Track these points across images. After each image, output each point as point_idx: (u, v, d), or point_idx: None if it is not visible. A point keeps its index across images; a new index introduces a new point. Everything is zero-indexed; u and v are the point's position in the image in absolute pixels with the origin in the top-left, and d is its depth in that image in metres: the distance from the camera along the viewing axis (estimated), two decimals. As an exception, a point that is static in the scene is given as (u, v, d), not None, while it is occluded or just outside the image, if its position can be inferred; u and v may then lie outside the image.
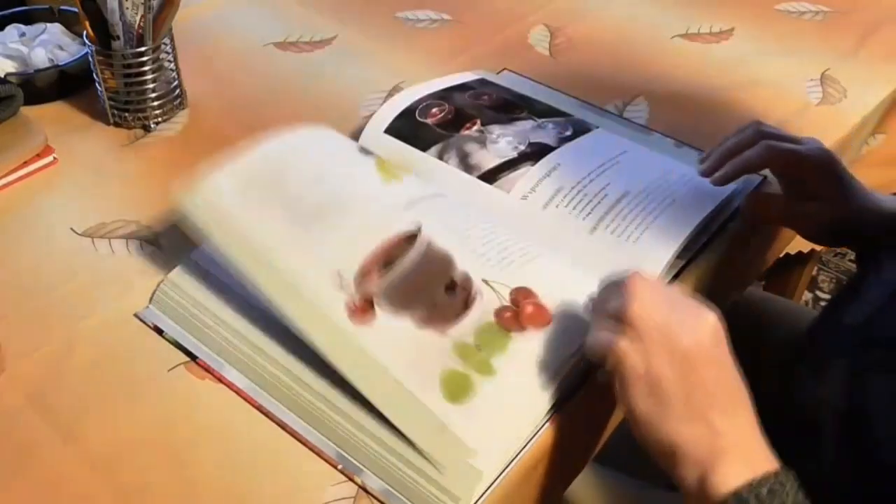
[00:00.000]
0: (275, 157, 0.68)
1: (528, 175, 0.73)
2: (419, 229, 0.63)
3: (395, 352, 0.58)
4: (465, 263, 0.62)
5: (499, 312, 0.60)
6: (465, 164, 0.74)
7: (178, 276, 0.66)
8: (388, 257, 0.62)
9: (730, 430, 0.54)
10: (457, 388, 0.56)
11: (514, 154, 0.75)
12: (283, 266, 0.60)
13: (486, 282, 0.61)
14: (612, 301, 0.57)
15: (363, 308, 0.59)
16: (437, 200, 0.67)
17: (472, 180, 0.73)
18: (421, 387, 0.56)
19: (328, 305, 0.59)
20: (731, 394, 0.56)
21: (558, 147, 0.76)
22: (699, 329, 0.55)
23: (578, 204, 0.70)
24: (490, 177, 0.73)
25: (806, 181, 0.71)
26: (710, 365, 0.55)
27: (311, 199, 0.64)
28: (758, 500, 0.50)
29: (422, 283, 0.61)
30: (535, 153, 0.75)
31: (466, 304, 0.60)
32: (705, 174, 0.73)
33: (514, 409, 0.57)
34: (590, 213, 0.70)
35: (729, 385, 0.56)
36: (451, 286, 0.61)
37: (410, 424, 0.55)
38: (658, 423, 0.55)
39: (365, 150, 0.72)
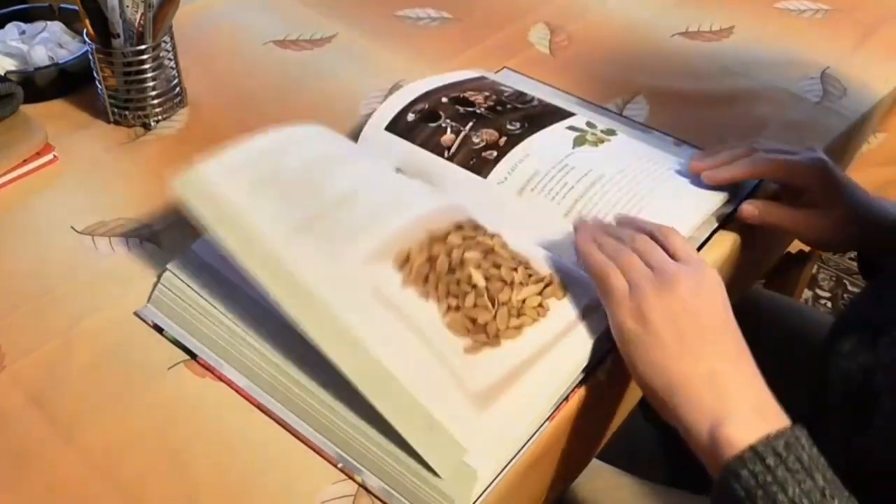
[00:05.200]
0: (274, 147, 0.67)
1: (505, 158, 0.73)
2: (464, 209, 0.64)
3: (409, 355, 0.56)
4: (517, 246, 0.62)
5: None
6: (436, 147, 0.74)
7: (178, 266, 0.65)
8: (432, 238, 0.60)
9: (732, 377, 0.53)
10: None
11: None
12: (290, 264, 0.58)
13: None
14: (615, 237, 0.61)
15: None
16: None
17: (450, 165, 0.73)
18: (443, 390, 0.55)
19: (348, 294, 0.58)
20: (733, 342, 0.55)
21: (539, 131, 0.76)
22: (700, 279, 0.57)
23: (553, 189, 0.71)
24: (467, 160, 0.73)
25: (801, 189, 0.72)
26: (706, 313, 0.56)
27: (327, 190, 0.64)
28: (775, 455, 0.49)
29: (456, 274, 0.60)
30: (515, 136, 0.75)
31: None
32: (698, 169, 0.73)
33: (515, 415, 0.57)
34: (564, 196, 0.70)
35: (728, 333, 0.56)
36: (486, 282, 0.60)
37: (400, 419, 0.54)
38: (651, 357, 0.55)
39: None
